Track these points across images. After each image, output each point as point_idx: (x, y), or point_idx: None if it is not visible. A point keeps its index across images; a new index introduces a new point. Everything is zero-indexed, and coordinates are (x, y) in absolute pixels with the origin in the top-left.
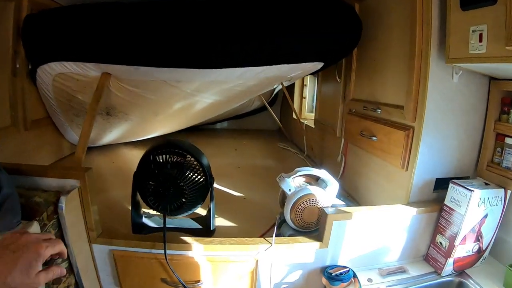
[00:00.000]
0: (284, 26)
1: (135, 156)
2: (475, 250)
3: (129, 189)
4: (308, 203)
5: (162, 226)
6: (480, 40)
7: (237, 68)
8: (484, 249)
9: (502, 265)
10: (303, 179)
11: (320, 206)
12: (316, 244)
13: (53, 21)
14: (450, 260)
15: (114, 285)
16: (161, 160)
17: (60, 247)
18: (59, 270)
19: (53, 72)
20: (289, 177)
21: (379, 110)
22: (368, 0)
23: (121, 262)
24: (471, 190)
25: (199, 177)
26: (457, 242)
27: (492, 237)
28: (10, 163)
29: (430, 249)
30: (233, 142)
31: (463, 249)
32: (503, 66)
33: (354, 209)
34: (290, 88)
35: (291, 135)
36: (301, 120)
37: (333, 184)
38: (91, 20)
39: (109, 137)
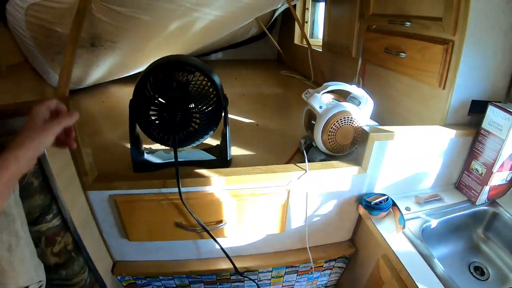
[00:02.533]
0: None
1: (126, 93)
2: (508, 178)
3: (124, 129)
4: (343, 121)
5: (169, 161)
6: None
7: None
8: None
9: None
10: (331, 96)
11: (356, 125)
12: (355, 169)
13: None
14: (486, 188)
15: (120, 238)
16: (163, 80)
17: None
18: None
19: (24, 4)
20: (319, 93)
21: (409, 23)
22: None
23: (126, 208)
24: None
25: (211, 97)
26: (495, 169)
27: None
28: None
29: (464, 176)
30: (231, 71)
31: (499, 177)
32: None
33: (395, 128)
34: (288, 13)
35: (294, 63)
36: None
37: (368, 102)
38: None
39: (96, 74)
